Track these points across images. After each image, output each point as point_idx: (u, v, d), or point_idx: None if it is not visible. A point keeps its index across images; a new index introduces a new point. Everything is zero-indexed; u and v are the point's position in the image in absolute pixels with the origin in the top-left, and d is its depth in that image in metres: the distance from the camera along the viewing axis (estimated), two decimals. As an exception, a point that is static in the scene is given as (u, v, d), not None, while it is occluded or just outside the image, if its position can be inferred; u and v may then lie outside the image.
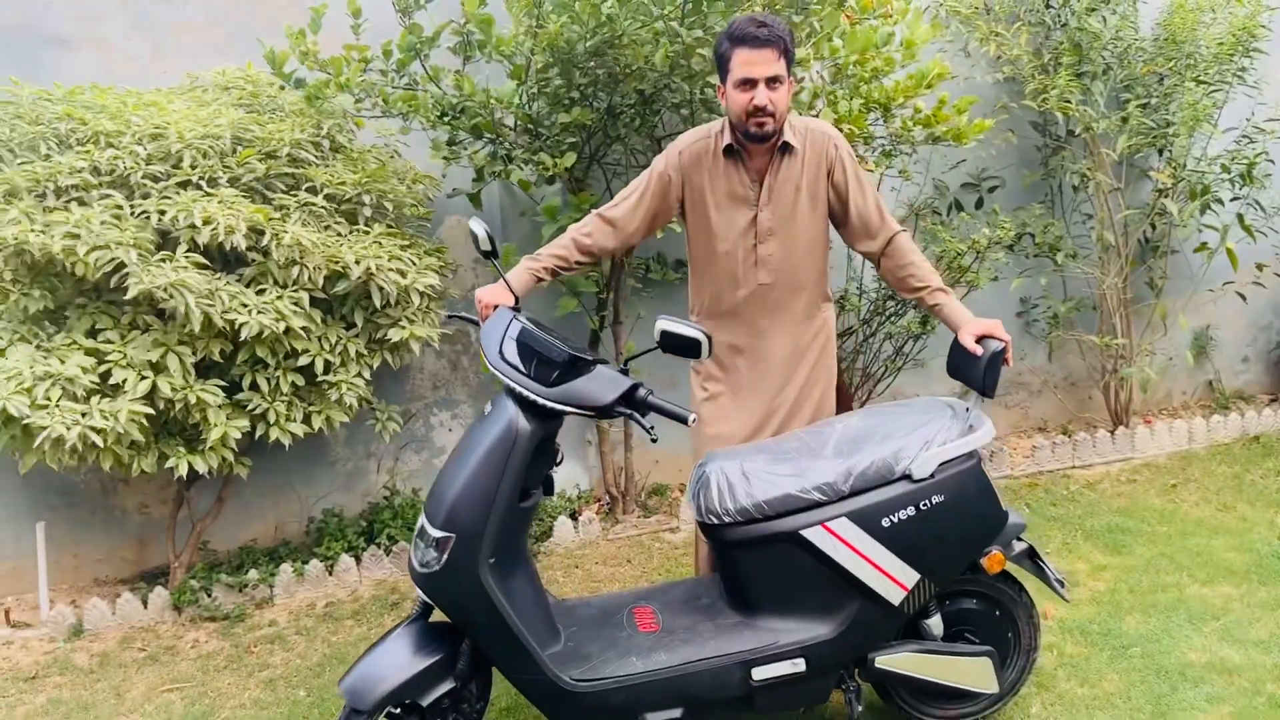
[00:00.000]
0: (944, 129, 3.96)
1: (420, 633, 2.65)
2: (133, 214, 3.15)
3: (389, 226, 3.67)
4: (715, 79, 3.23)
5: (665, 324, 2.47)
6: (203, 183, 3.24)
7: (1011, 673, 2.90)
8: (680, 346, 2.47)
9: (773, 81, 2.74)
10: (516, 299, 2.77)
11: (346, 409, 3.58)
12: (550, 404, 2.48)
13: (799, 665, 2.63)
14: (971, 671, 2.77)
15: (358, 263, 3.26)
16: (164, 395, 3.16)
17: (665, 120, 3.91)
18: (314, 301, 3.41)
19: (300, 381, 3.53)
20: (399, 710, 2.66)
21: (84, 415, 3.02)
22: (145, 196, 3.18)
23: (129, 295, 3.00)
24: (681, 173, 2.92)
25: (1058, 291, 5.36)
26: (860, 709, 2.71)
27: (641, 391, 2.51)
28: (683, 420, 2.47)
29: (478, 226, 2.70)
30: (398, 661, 2.60)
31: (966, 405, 2.80)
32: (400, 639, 2.64)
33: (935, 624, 2.76)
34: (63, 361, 3.06)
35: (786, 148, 2.87)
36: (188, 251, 3.12)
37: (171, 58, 4.05)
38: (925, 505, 2.58)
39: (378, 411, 4.05)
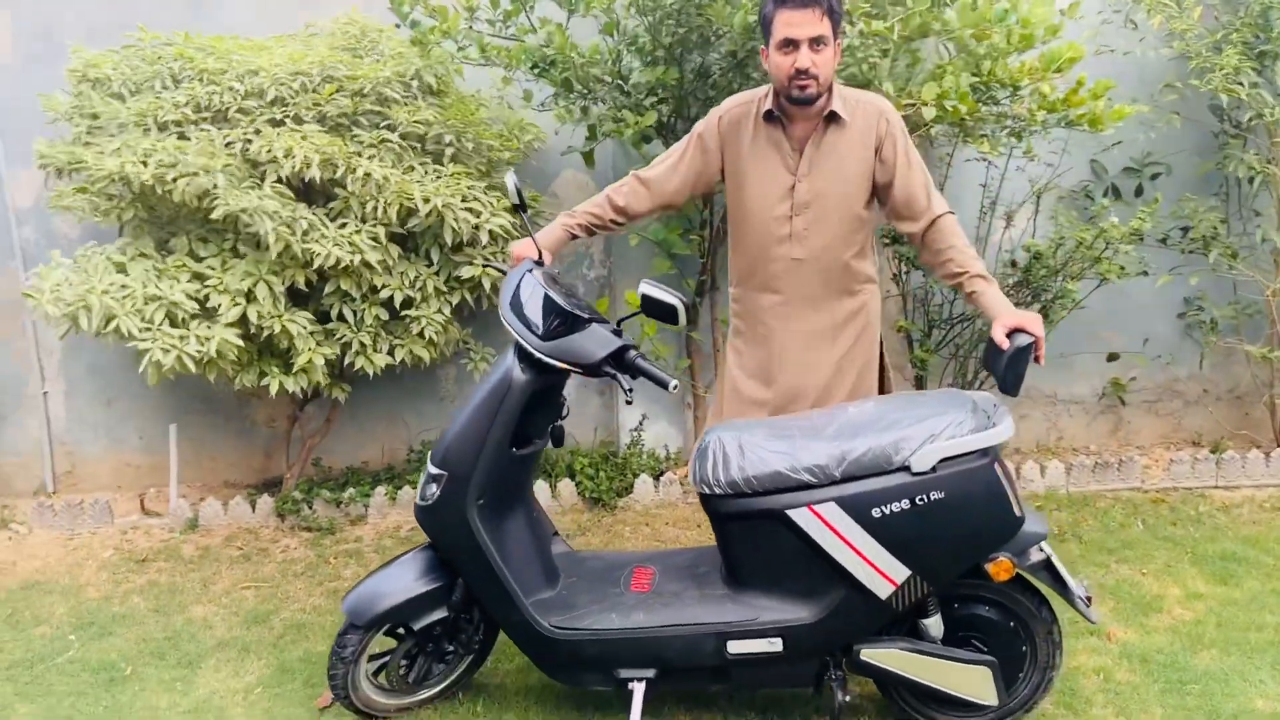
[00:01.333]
0: (1079, 113, 3.67)
1: (423, 562, 2.80)
2: (226, 145, 3.43)
3: (479, 170, 3.81)
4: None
5: (647, 288, 2.48)
6: (288, 119, 3.49)
7: (1025, 688, 2.73)
8: (660, 311, 2.47)
9: (816, 43, 2.64)
10: (540, 253, 2.83)
11: (428, 344, 3.76)
12: (543, 357, 2.55)
13: (775, 644, 2.60)
14: (968, 680, 2.63)
15: (426, 200, 3.41)
16: (253, 322, 3.44)
17: (758, 83, 3.83)
18: (393, 237, 3.61)
19: (384, 316, 3.74)
20: (402, 633, 2.84)
21: (181, 339, 3.35)
22: (237, 128, 3.48)
23: (214, 215, 3.28)
24: (721, 138, 2.88)
25: (1226, 294, 4.87)
26: (845, 699, 2.64)
27: (631, 354, 2.53)
28: (664, 385, 2.47)
29: (510, 180, 2.78)
30: (397, 585, 2.76)
31: (994, 401, 2.64)
32: (403, 565, 2.80)
33: (934, 624, 2.64)
34: (171, 286, 3.40)
35: (833, 117, 2.77)
36: (275, 183, 3.37)
37: (324, 5, 4.33)
38: (922, 500, 2.47)
39: (471, 352, 4.23)
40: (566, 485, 4.42)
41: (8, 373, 4.70)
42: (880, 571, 2.51)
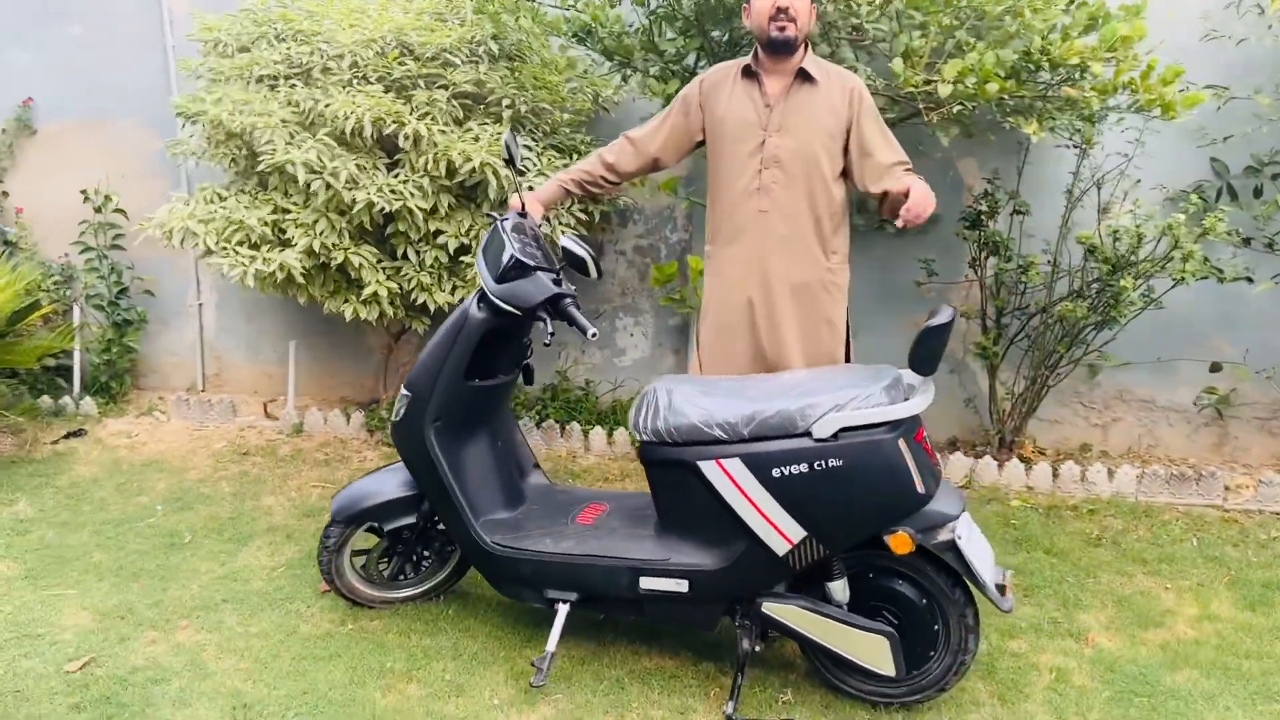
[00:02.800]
0: (1148, 98, 3.51)
1: (402, 474, 3.15)
2: (290, 102, 3.89)
3: (543, 131, 4.09)
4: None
5: (565, 241, 2.69)
6: (358, 80, 3.90)
7: (936, 667, 2.76)
8: (574, 263, 2.68)
9: None
10: (523, 206, 3.09)
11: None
12: (492, 297, 2.81)
13: (682, 586, 2.77)
14: (866, 647, 2.70)
15: (467, 158, 3.73)
16: (318, 251, 3.91)
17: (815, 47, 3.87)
18: (448, 189, 3.96)
19: (444, 259, 4.12)
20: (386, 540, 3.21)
21: (252, 259, 3.86)
22: (317, 86, 3.92)
23: (262, 166, 3.76)
24: (702, 99, 3.02)
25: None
26: (749, 649, 2.78)
27: (565, 302, 2.75)
28: (584, 332, 2.68)
29: (503, 139, 3.05)
30: (374, 490, 3.13)
31: (923, 380, 2.69)
32: (384, 474, 3.17)
33: (839, 588, 2.72)
34: (250, 215, 3.92)
35: (806, 76, 2.87)
36: (325, 136, 3.80)
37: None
38: (820, 465, 2.56)
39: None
40: (621, 434, 4.67)
41: (173, 287, 5.46)
42: (778, 529, 2.63)
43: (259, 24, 4.08)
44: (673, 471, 2.74)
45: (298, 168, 3.69)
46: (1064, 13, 3.44)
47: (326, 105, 3.75)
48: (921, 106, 3.41)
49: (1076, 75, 3.48)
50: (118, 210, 5.21)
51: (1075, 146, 4.08)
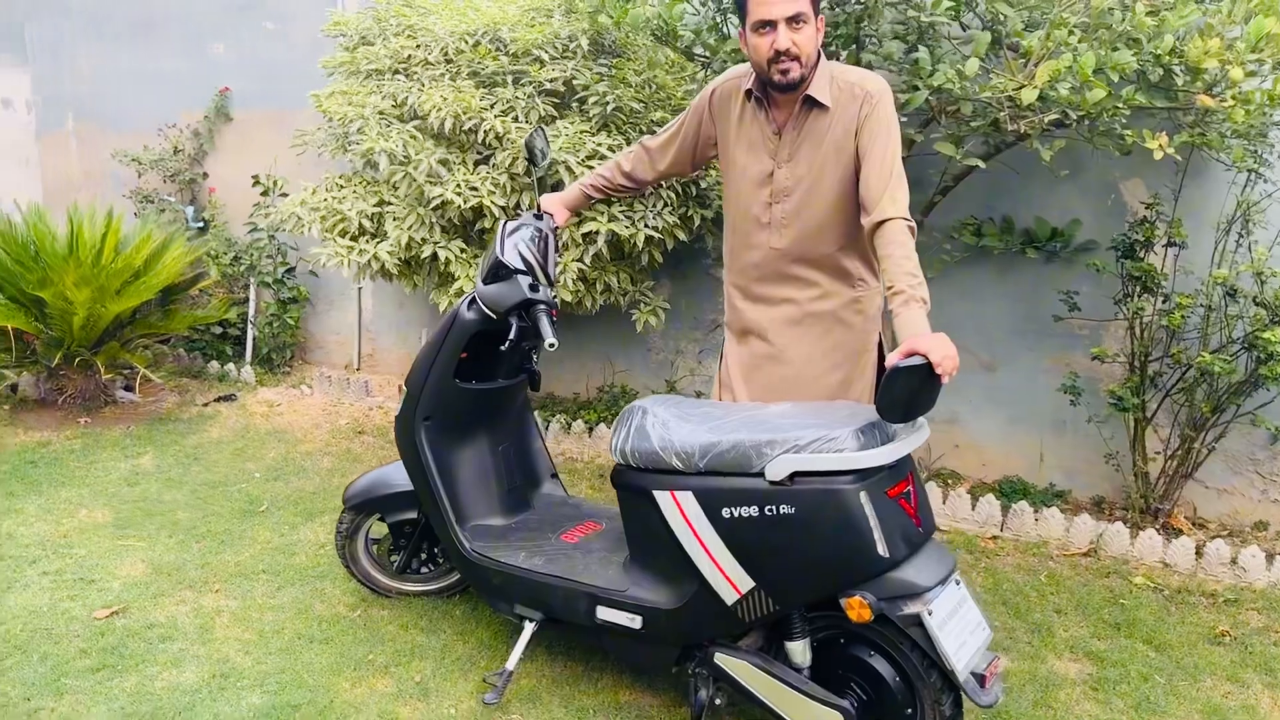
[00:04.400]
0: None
1: (410, 469, 3.15)
2: (386, 95, 3.97)
3: (641, 131, 3.97)
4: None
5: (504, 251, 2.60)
6: (450, 75, 3.92)
7: (905, 756, 2.42)
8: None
9: (795, 21, 2.46)
10: (539, 208, 2.99)
11: (566, 288, 4.04)
12: (477, 298, 2.75)
13: (635, 622, 2.59)
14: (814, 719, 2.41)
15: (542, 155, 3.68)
16: (403, 244, 4.00)
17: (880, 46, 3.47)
18: (530, 187, 3.92)
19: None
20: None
21: (349, 250, 4.01)
22: (412, 79, 3.99)
23: (349, 157, 3.85)
24: (712, 113, 2.78)
25: None
26: (705, 701, 2.55)
27: (536, 307, 2.64)
28: (544, 339, 2.57)
29: (526, 138, 2.98)
30: (383, 482, 3.16)
31: (910, 427, 2.36)
32: (395, 468, 3.18)
33: (798, 650, 2.43)
34: (351, 207, 4.07)
35: (812, 102, 2.56)
36: (439, 133, 3.85)
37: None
38: (770, 511, 2.30)
39: (641, 304, 4.43)
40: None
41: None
42: (725, 575, 2.39)
43: (379, 19, 4.22)
44: (634, 498, 2.56)
45: (380, 157, 3.78)
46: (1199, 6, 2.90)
47: (419, 99, 3.81)
48: (1004, 115, 2.99)
49: (1220, 82, 2.94)
50: (283, 194, 5.61)
51: (1229, 167, 3.45)
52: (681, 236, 4.11)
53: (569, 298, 4.08)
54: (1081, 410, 4.07)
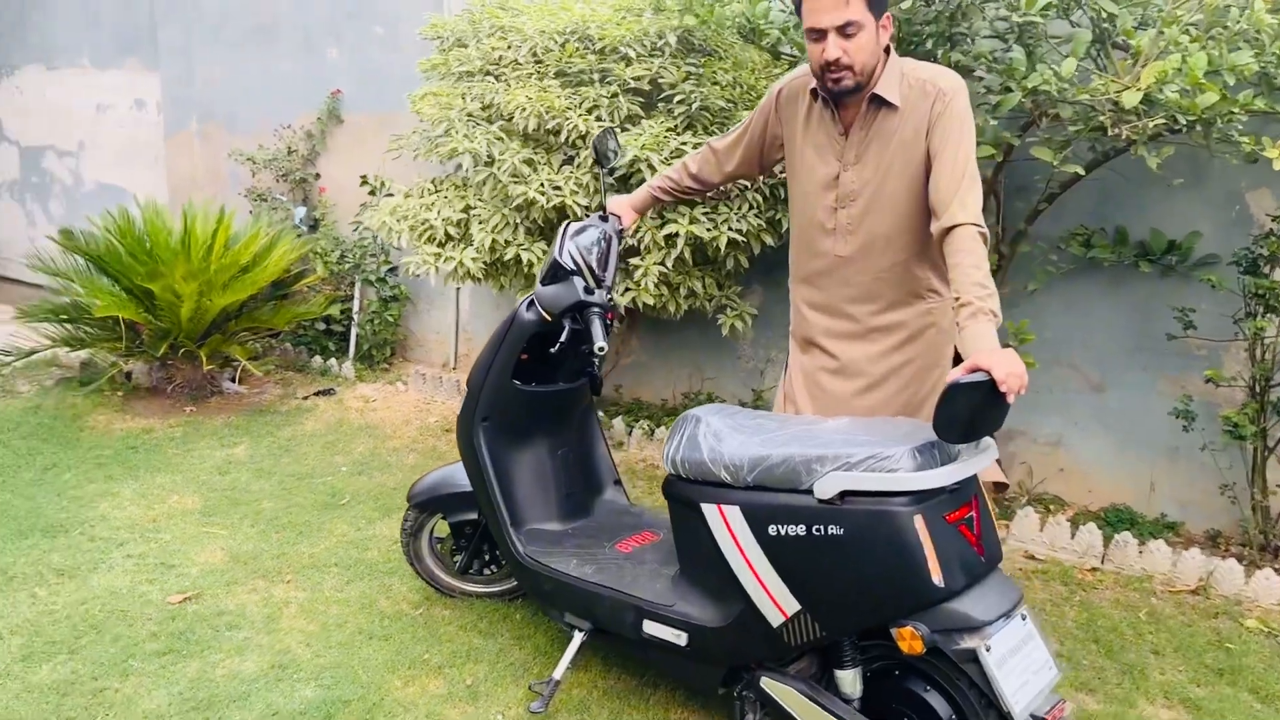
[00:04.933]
0: None
1: (472, 469, 3.13)
2: (472, 96, 3.98)
3: (719, 127, 3.88)
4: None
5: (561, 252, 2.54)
6: (536, 74, 3.89)
7: (960, 800, 2.26)
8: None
9: (846, 29, 2.32)
10: (603, 209, 2.93)
11: (648, 291, 3.97)
12: (535, 299, 2.70)
13: (681, 639, 2.50)
14: (863, 755, 2.27)
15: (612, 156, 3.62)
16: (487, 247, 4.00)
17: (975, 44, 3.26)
18: (613, 187, 3.86)
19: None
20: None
21: (435, 257, 4.04)
22: (500, 79, 3.98)
23: (434, 157, 3.86)
24: (779, 113, 2.66)
25: None
26: (750, 723, 2.45)
27: (590, 310, 2.58)
28: (592, 343, 2.51)
29: (594, 139, 2.93)
30: (446, 481, 3.15)
31: (980, 448, 2.21)
32: (456, 468, 3.16)
33: (848, 680, 2.30)
34: (438, 214, 4.10)
35: (880, 101, 2.42)
36: (500, 128, 3.84)
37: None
38: (818, 531, 2.18)
39: (728, 309, 4.33)
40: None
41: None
42: (771, 596, 2.28)
43: (474, 22, 4.24)
44: (683, 510, 2.47)
45: (465, 157, 3.79)
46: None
47: (504, 99, 3.81)
48: (1106, 120, 2.77)
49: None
50: (389, 194, 5.69)
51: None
52: (769, 241, 3.99)
53: (651, 301, 4.01)
54: (1196, 437, 3.78)
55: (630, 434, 4.71)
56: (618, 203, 2.97)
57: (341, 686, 2.84)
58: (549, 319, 2.67)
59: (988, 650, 2.09)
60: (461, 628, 3.16)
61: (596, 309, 2.60)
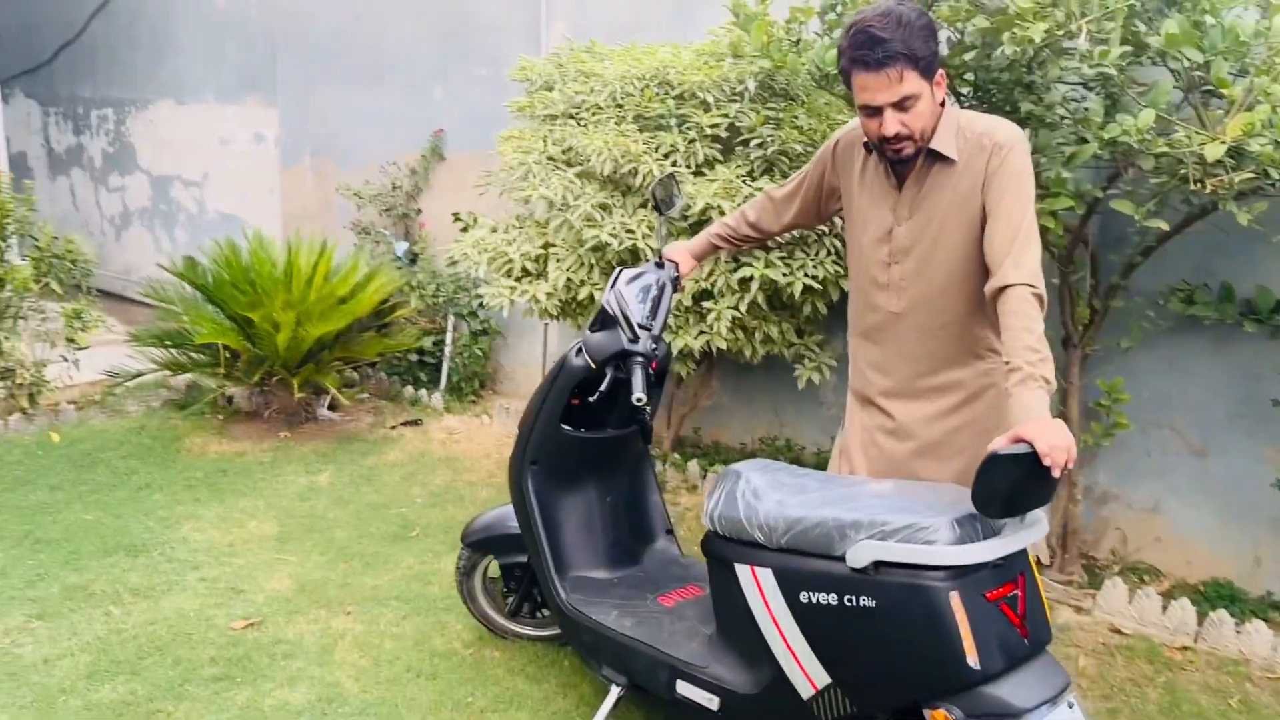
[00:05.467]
0: None
1: (523, 510, 3.13)
2: (554, 140, 4.01)
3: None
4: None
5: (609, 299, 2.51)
6: (615, 119, 3.90)
7: None
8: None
9: (903, 103, 2.25)
10: (659, 255, 2.90)
11: (720, 335, 3.92)
12: (581, 345, 2.69)
13: (713, 703, 2.43)
14: (892, 841, 2.15)
15: (691, 201, 3.60)
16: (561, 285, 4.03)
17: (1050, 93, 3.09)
18: (685, 231, 3.84)
19: (687, 302, 4.01)
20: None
21: (511, 290, 4.09)
22: (580, 123, 4.01)
23: (510, 199, 3.91)
24: (836, 165, 2.58)
25: None
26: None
27: (633, 359, 2.54)
28: (632, 394, 2.47)
29: (651, 185, 2.91)
30: (498, 522, 3.15)
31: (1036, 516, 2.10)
32: (509, 508, 3.16)
33: (881, 760, 2.20)
34: (515, 248, 4.15)
35: (936, 156, 2.33)
36: (578, 173, 3.87)
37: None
38: (850, 601, 2.09)
39: (807, 359, 4.24)
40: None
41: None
42: (801, 666, 2.19)
43: (560, 66, 4.29)
44: (719, 569, 2.41)
45: (539, 203, 3.82)
46: None
47: (583, 143, 3.83)
48: (1192, 173, 2.61)
49: None
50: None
51: None
52: (846, 288, 3.88)
53: (724, 345, 3.96)
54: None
55: (704, 477, 4.64)
56: (676, 249, 2.93)
57: (383, 725, 2.86)
58: (593, 366, 2.65)
59: (1022, 740, 1.96)
60: (510, 670, 3.15)
61: (640, 359, 2.56)
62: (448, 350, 5.97)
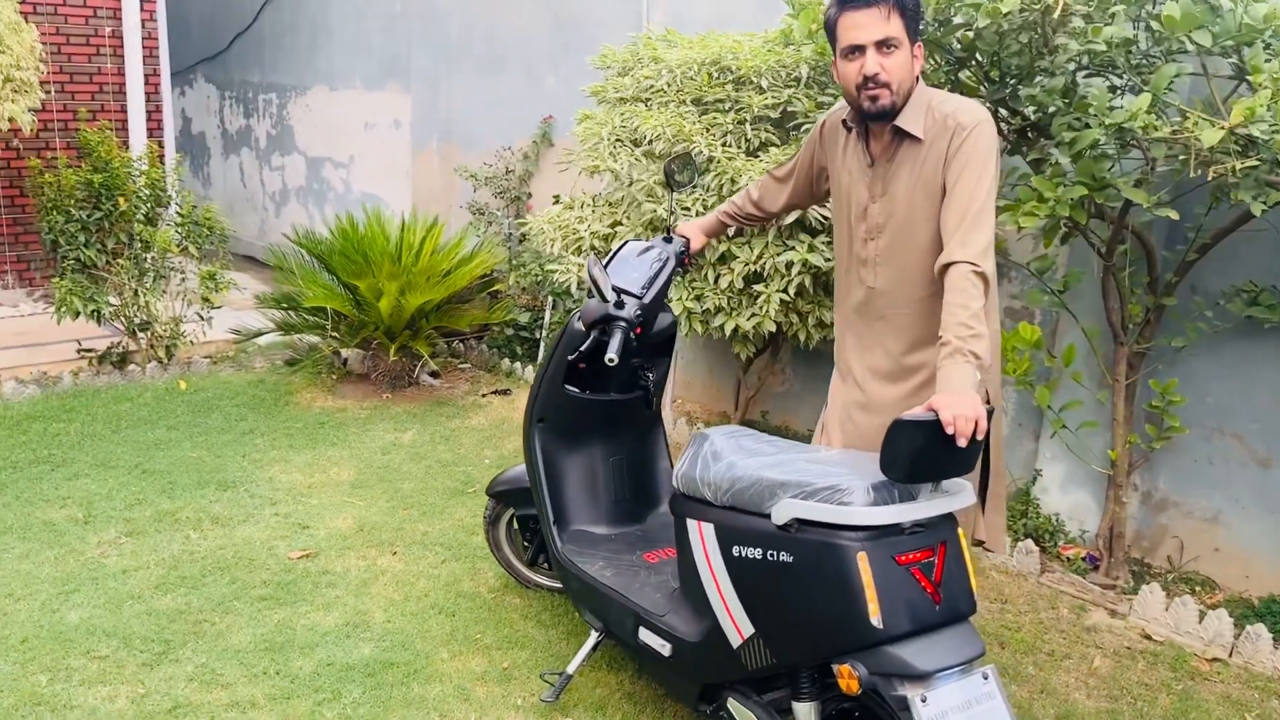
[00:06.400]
0: None
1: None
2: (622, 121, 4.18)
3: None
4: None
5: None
6: (674, 102, 4.03)
7: None
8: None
9: (884, 45, 2.32)
10: (669, 230, 3.04)
11: (769, 317, 4.02)
12: (582, 310, 2.87)
13: (665, 649, 2.58)
14: (803, 791, 2.24)
15: (733, 181, 3.71)
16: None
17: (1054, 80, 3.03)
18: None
19: (739, 284, 4.12)
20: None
21: (579, 267, 4.31)
22: (647, 105, 4.17)
23: (579, 173, 4.11)
24: (823, 145, 2.66)
25: None
26: (721, 747, 2.48)
27: (614, 323, 2.70)
28: (604, 354, 2.62)
29: (667, 162, 3.06)
30: (517, 476, 3.36)
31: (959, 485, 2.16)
32: (530, 464, 3.37)
33: (803, 712, 2.28)
34: (586, 225, 4.36)
35: (903, 134, 2.38)
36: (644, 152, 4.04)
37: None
38: (772, 556, 2.20)
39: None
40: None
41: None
42: (731, 616, 2.32)
43: (635, 53, 4.47)
44: (679, 525, 2.54)
45: (605, 175, 4.01)
46: None
47: (640, 123, 4.01)
48: (1191, 160, 2.55)
49: None
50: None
51: None
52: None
53: (773, 327, 4.06)
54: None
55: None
56: (689, 226, 3.07)
57: (396, 651, 3.12)
58: (585, 331, 2.82)
59: (923, 701, 2.03)
60: (524, 616, 3.37)
61: (622, 324, 2.72)
62: (545, 327, 6.25)
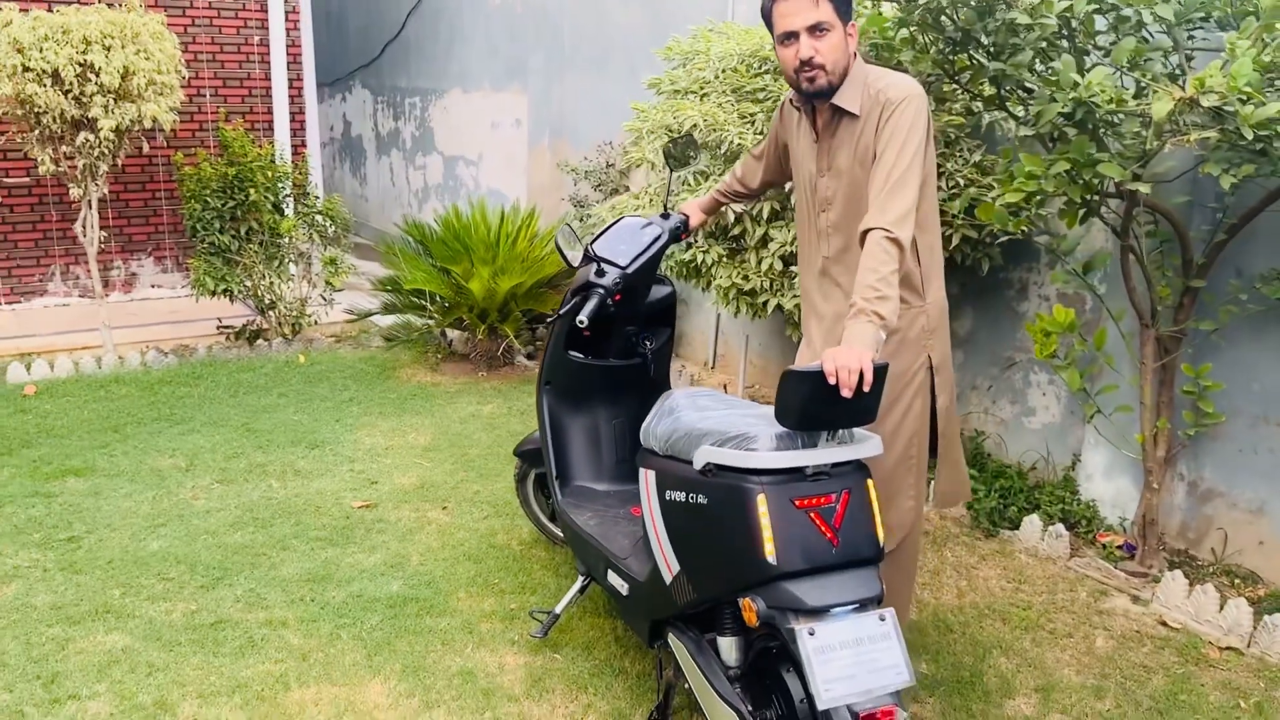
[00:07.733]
0: None
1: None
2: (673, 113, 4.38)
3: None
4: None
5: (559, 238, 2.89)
6: (716, 92, 4.21)
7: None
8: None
9: (816, 30, 2.47)
10: (665, 207, 3.24)
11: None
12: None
13: (624, 588, 2.79)
14: (715, 715, 2.41)
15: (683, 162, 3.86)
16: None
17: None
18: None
19: (779, 266, 4.28)
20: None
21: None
22: (699, 97, 4.36)
23: (621, 164, 4.32)
24: (784, 122, 2.81)
25: None
26: (670, 680, 2.68)
27: (592, 291, 2.93)
28: (576, 318, 2.86)
29: (664, 145, 3.27)
30: (536, 436, 3.64)
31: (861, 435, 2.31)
32: (554, 426, 3.64)
33: (725, 646, 2.46)
34: (642, 212, 4.60)
35: (841, 111, 2.52)
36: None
37: None
38: (692, 499, 2.40)
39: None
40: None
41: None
42: (664, 554, 2.52)
43: (695, 45, 4.68)
44: (640, 475, 2.75)
45: (645, 166, 4.25)
46: None
47: (681, 114, 4.22)
48: (1148, 133, 2.56)
49: None
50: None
51: None
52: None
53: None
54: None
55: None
56: (689, 204, 3.27)
57: (420, 589, 3.46)
58: (575, 300, 3.07)
59: (810, 634, 2.17)
60: (544, 567, 3.64)
61: (600, 290, 2.94)
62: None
